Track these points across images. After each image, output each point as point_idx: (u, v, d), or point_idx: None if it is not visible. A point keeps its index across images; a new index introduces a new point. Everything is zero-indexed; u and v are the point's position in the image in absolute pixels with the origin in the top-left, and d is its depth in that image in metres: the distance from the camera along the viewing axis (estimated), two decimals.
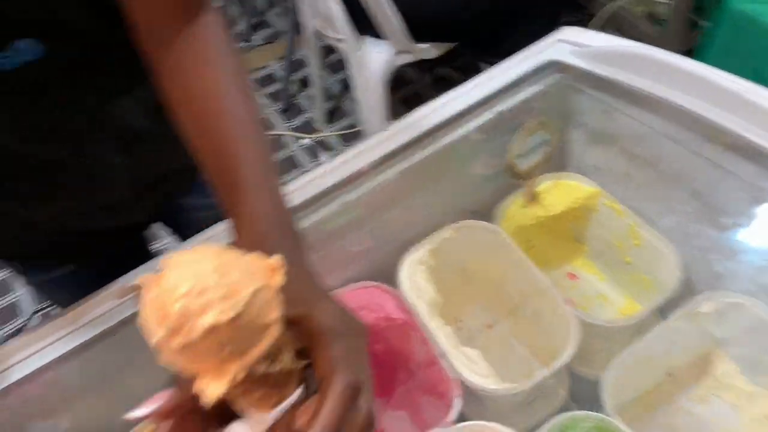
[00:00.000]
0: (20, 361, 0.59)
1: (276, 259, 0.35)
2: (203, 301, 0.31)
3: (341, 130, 1.91)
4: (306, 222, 0.68)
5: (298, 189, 0.67)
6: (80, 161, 0.59)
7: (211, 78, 0.45)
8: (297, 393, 0.37)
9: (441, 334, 0.70)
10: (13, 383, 0.59)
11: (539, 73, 0.74)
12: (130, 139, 0.61)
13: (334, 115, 1.95)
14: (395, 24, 1.28)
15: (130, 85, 0.57)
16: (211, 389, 0.32)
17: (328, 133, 1.90)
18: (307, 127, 1.93)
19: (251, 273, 0.33)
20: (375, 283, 0.78)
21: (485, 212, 0.78)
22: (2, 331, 1.60)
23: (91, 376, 0.66)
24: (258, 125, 0.45)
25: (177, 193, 0.75)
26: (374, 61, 1.39)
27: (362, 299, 0.76)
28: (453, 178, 0.78)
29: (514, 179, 0.74)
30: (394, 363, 0.79)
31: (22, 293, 1.66)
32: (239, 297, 0.32)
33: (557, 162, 0.80)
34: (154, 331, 0.31)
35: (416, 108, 0.72)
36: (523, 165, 0.73)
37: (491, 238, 0.75)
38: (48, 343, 0.60)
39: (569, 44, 0.76)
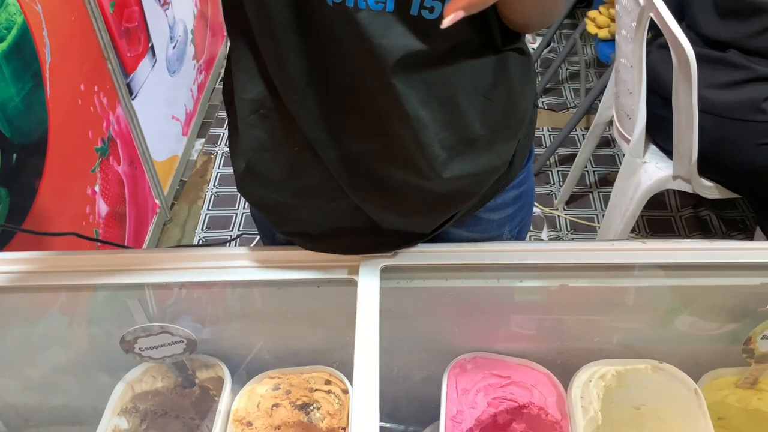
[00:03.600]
0: (210, 269, 0.69)
1: None
2: None
3: (575, 217, 1.88)
4: (523, 282, 0.70)
5: (537, 251, 0.69)
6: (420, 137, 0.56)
7: None
8: None
9: None
10: (196, 282, 0.70)
11: None
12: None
13: (576, 200, 1.93)
14: (691, 151, 1.23)
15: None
16: None
17: (562, 214, 1.89)
18: (544, 199, 1.93)
19: None
20: (545, 371, 0.77)
21: (688, 366, 0.73)
22: (211, 235, 1.85)
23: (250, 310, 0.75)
24: None
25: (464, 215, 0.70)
26: (648, 174, 1.35)
27: (528, 378, 0.76)
28: (673, 317, 0.74)
29: (744, 355, 0.68)
30: None
31: (239, 212, 1.91)
32: None
33: None
34: None
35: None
36: (763, 347, 0.67)
37: (686, 396, 0.70)
38: (237, 266, 0.69)
39: None
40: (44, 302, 0.76)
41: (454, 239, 0.73)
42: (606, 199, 1.90)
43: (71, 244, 1.19)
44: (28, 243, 1.14)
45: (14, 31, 1.10)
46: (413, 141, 0.56)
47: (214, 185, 1.99)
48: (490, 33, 0.56)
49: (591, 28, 1.96)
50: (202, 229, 1.86)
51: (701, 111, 1.16)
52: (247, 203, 1.95)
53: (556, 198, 1.93)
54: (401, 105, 0.53)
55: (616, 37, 1.37)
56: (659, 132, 1.31)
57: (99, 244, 1.30)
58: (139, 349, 0.71)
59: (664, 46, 1.20)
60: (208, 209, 1.92)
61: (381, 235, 0.67)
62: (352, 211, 0.64)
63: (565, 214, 1.89)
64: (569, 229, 1.86)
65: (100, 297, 0.76)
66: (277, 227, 0.71)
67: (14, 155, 1.10)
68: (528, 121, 0.66)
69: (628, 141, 1.38)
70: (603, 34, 1.92)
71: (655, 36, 1.25)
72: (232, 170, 0.68)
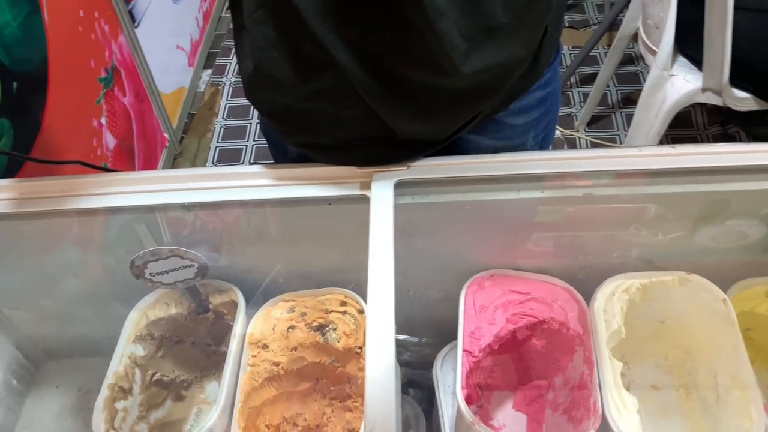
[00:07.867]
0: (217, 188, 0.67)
1: None
2: None
3: (597, 138, 1.82)
4: (544, 192, 0.67)
5: (559, 159, 0.65)
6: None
7: None
8: None
9: (608, 366, 0.65)
10: (204, 202, 0.67)
11: None
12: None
13: (598, 121, 1.86)
14: (723, 60, 1.16)
15: None
16: None
17: (583, 135, 1.83)
18: (564, 121, 1.87)
19: None
20: (566, 286, 0.74)
21: (718, 278, 0.70)
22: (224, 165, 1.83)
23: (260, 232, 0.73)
24: None
25: (483, 120, 0.66)
26: (675, 87, 1.28)
27: (548, 294, 0.73)
28: (702, 226, 0.70)
29: None
30: (545, 367, 0.76)
31: (250, 144, 1.87)
32: None
33: None
34: None
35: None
36: None
37: (714, 306, 0.67)
38: (244, 185, 0.66)
39: None
40: (54, 229, 0.74)
41: (474, 149, 0.69)
42: (629, 119, 1.83)
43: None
44: (34, 175, 1.12)
45: None
46: (430, 31, 0.50)
47: (223, 117, 1.95)
48: None
49: None
50: (213, 163, 1.83)
51: (737, 7, 1.08)
52: (258, 134, 1.93)
53: (576, 119, 1.87)
54: None
55: None
56: (689, 39, 1.23)
57: (106, 173, 1.28)
58: (150, 274, 0.70)
59: None
60: (218, 142, 1.88)
61: (397, 145, 0.63)
62: (366, 120, 0.60)
63: (587, 136, 1.83)
64: None
65: (109, 222, 0.74)
66: (288, 139, 0.67)
67: (14, 84, 1.07)
68: (556, 9, 0.60)
69: (654, 54, 1.31)
70: None
71: None
72: (241, 101, 0.64)
